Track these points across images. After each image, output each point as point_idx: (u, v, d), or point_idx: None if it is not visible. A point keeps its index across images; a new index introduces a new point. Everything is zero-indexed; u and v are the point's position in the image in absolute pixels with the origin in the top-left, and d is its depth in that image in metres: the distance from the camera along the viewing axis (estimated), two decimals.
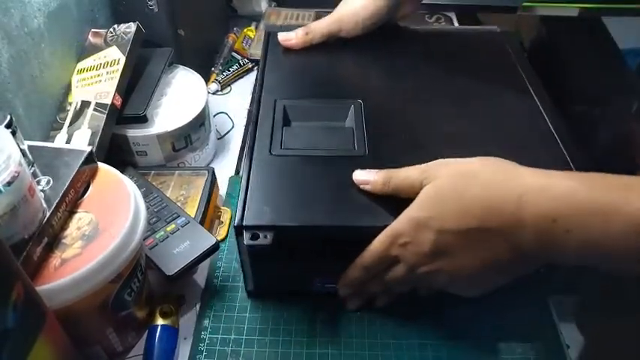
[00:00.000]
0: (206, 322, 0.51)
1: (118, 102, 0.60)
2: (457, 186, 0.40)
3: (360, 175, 0.46)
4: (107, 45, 0.65)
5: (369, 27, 0.64)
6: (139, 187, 0.48)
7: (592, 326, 0.52)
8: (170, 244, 0.52)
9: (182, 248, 0.51)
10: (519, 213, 0.37)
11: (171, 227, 0.53)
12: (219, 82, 0.82)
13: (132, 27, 0.65)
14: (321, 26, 0.64)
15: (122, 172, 0.48)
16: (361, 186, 0.46)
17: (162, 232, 0.53)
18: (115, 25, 0.66)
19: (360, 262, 0.45)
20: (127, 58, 0.62)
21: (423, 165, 0.43)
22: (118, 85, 0.60)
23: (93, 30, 0.67)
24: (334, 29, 0.64)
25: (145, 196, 0.55)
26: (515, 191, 0.38)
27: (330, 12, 0.65)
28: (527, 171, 0.39)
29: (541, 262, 0.41)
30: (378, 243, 0.43)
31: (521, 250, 0.39)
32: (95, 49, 0.65)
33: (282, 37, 0.65)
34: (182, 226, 0.53)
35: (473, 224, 0.39)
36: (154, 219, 0.54)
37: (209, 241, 0.52)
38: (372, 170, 0.46)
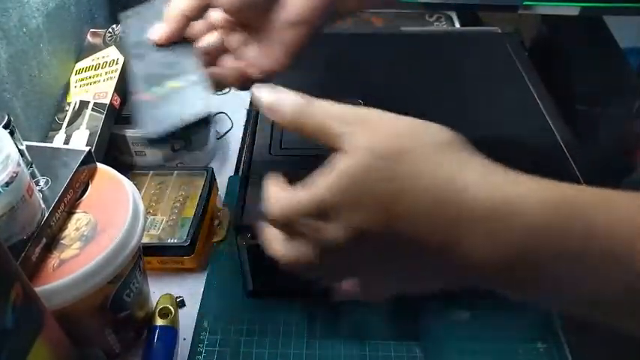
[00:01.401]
0: (205, 323, 0.51)
1: (117, 102, 0.60)
2: (380, 172, 0.29)
3: (268, 97, 0.33)
4: (106, 45, 0.65)
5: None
6: None
7: (592, 326, 0.51)
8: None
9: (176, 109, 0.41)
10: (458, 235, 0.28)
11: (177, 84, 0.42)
12: None
13: None
14: None
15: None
16: (267, 114, 0.33)
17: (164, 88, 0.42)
18: (114, 25, 0.66)
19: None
20: (125, 58, 0.62)
21: (347, 110, 0.31)
22: (116, 85, 0.60)
23: (92, 30, 0.67)
24: None
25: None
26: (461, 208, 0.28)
27: None
28: (477, 170, 0.30)
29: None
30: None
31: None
32: (94, 49, 0.65)
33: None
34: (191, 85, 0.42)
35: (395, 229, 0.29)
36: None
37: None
38: (284, 92, 0.33)
